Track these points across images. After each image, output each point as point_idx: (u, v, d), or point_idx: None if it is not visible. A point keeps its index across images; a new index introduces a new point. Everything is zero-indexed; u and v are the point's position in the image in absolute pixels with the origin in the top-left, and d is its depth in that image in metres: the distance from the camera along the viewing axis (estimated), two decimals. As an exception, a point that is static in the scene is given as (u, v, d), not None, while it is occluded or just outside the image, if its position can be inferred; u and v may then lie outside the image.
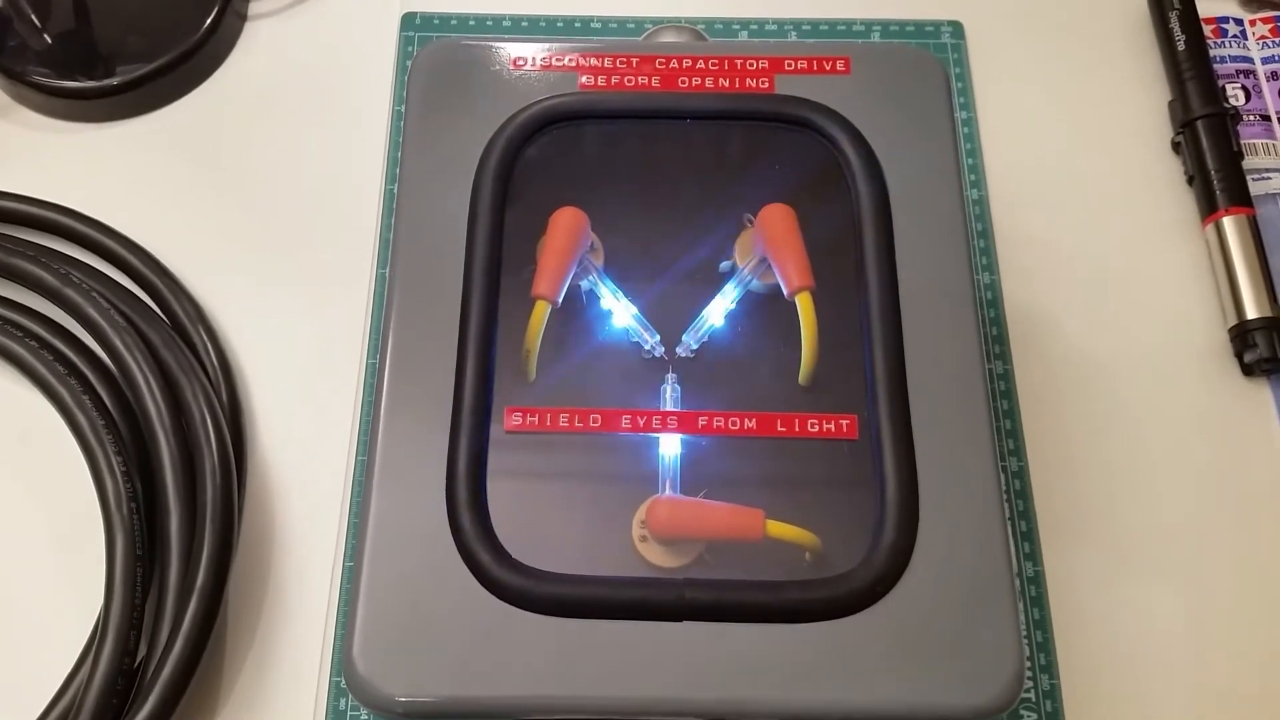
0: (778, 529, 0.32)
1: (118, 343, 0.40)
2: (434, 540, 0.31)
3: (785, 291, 0.36)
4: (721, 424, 0.33)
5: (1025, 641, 0.39)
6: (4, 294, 0.43)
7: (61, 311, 0.42)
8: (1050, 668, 0.39)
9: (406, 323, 0.34)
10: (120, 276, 0.44)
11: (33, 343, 0.41)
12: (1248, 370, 0.44)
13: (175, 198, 0.47)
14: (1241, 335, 0.43)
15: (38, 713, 0.36)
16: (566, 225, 0.37)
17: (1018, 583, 0.40)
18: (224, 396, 0.41)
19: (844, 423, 0.33)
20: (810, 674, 0.30)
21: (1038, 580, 0.40)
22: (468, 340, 0.33)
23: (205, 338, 0.42)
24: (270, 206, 0.47)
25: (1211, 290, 0.45)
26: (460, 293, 0.34)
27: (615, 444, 0.34)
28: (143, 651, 0.36)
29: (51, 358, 0.40)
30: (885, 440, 0.32)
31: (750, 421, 0.33)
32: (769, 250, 0.37)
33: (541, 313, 0.36)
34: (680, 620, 0.30)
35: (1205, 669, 0.39)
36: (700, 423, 0.33)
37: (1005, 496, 0.41)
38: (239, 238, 0.46)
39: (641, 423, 0.33)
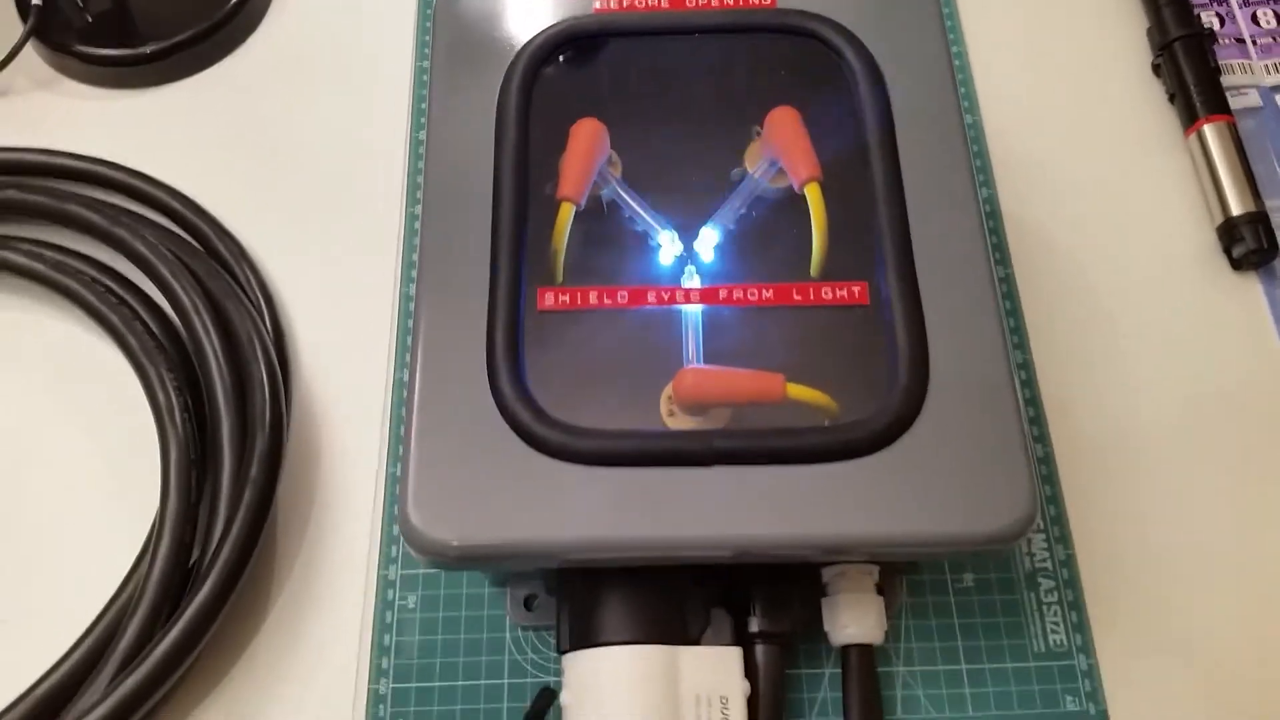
0: (797, 391, 0.34)
1: (166, 273, 0.42)
2: (476, 404, 0.33)
3: (795, 184, 0.38)
4: (740, 295, 0.35)
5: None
6: (57, 240, 0.45)
7: (112, 253, 0.44)
8: (1065, 539, 0.40)
9: (440, 221, 0.36)
10: (165, 221, 0.46)
11: (85, 278, 0.43)
12: (1237, 265, 0.46)
13: (213, 155, 0.50)
14: (1229, 231, 0.45)
15: (102, 606, 0.37)
16: (587, 133, 0.39)
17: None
18: (267, 321, 0.43)
19: (855, 289, 0.35)
20: (832, 509, 0.32)
21: (1048, 460, 0.42)
22: (500, 232, 0.36)
23: (247, 271, 0.45)
24: (302, 158, 0.49)
25: (1198, 196, 0.48)
26: (491, 194, 0.37)
27: (642, 322, 0.36)
28: (197, 552, 0.38)
29: (103, 289, 0.43)
30: (895, 298, 0.34)
31: (767, 292, 0.35)
32: (777, 149, 0.39)
33: (567, 214, 0.38)
34: (709, 465, 0.32)
35: (1201, 539, 0.41)
36: (721, 295, 0.35)
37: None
38: (274, 187, 0.49)
39: (666, 297, 0.35)
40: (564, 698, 0.34)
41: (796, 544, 0.32)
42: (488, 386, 0.33)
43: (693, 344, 0.35)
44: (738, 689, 0.34)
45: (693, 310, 0.35)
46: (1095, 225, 0.47)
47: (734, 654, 0.35)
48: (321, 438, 0.43)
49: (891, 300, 0.34)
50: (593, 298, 0.35)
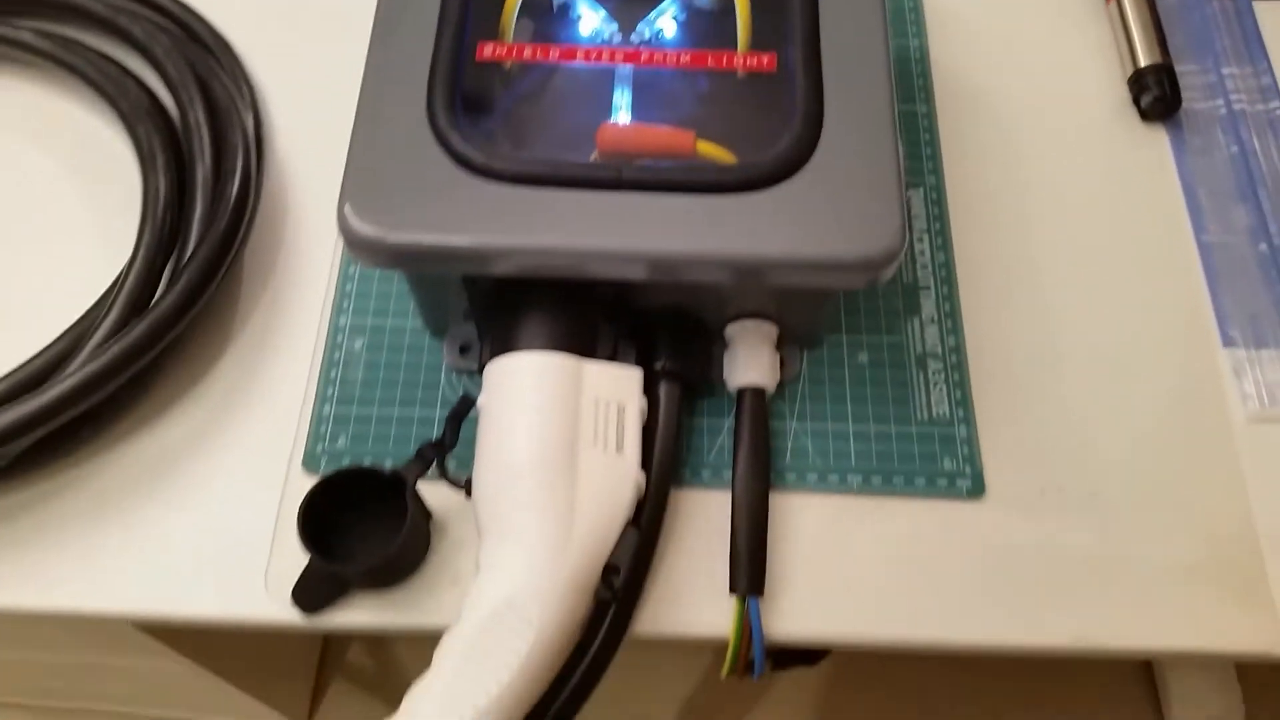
0: (706, 148, 0.38)
1: (159, 53, 0.47)
2: (413, 127, 0.37)
3: (723, -15, 0.42)
4: (661, 58, 0.39)
5: (937, 324, 0.44)
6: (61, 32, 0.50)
7: (112, 43, 0.49)
8: (956, 330, 0.44)
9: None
10: (158, 18, 0.51)
11: (87, 55, 0.48)
12: (1145, 115, 0.50)
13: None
14: (1138, 81, 0.49)
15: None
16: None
17: (929, 259, 0.46)
18: (247, 99, 0.48)
19: (764, 59, 0.39)
20: (727, 232, 0.36)
21: (948, 265, 0.46)
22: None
23: (232, 58, 0.49)
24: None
25: (1115, 57, 0.52)
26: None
27: (575, 81, 0.40)
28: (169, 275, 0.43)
29: (101, 64, 0.47)
30: (798, 64, 0.38)
31: (685, 57, 0.39)
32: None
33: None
34: (620, 190, 0.36)
35: (1076, 333, 0.44)
36: (643, 57, 0.40)
37: (923, 204, 0.47)
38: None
39: (594, 55, 0.39)
40: (480, 400, 0.38)
41: (694, 259, 0.36)
42: (425, 113, 0.37)
43: (620, 102, 0.40)
44: (634, 402, 0.38)
45: (621, 72, 0.39)
46: (1015, 74, 0.51)
47: (635, 373, 0.39)
48: (289, 205, 0.47)
49: (795, 67, 0.38)
50: (527, 53, 0.39)
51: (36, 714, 0.91)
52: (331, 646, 1.00)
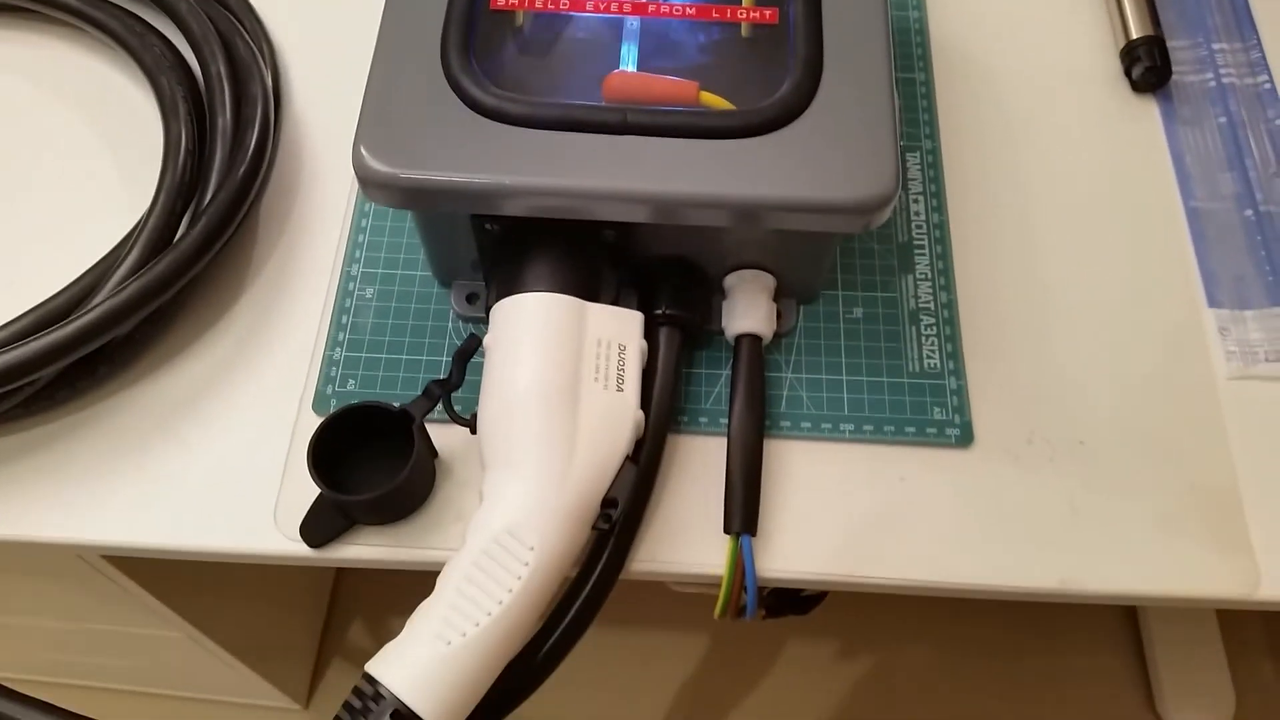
0: (709, 98, 0.40)
1: (182, 10, 0.48)
2: (427, 71, 0.39)
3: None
4: (668, 10, 0.41)
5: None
6: None
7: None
8: (949, 287, 0.46)
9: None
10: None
11: (115, 11, 0.49)
12: (1137, 87, 0.51)
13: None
14: (1129, 53, 0.51)
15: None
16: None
17: (924, 220, 0.47)
18: (267, 55, 0.49)
19: (767, 12, 0.41)
20: (727, 175, 0.37)
21: (942, 226, 0.47)
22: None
23: (253, 18, 0.51)
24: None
25: (1109, 34, 0.53)
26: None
27: (584, 31, 0.41)
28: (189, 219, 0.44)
29: (127, 20, 0.49)
30: (799, 17, 0.39)
31: (690, 10, 0.41)
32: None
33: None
34: (625, 134, 0.38)
35: (1067, 292, 0.46)
36: (650, 8, 0.41)
37: (920, 167, 0.49)
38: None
39: (603, 6, 0.41)
40: (486, 340, 0.39)
41: (696, 201, 0.37)
42: (439, 58, 0.39)
43: (626, 53, 0.41)
44: (635, 342, 0.39)
45: (630, 23, 0.41)
46: (1011, 45, 0.53)
47: (637, 316, 0.40)
48: (305, 158, 0.49)
49: (796, 19, 0.40)
50: (539, 2, 0.41)
51: (40, 689, 0.92)
52: (332, 627, 1.01)
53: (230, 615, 0.74)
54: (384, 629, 1.00)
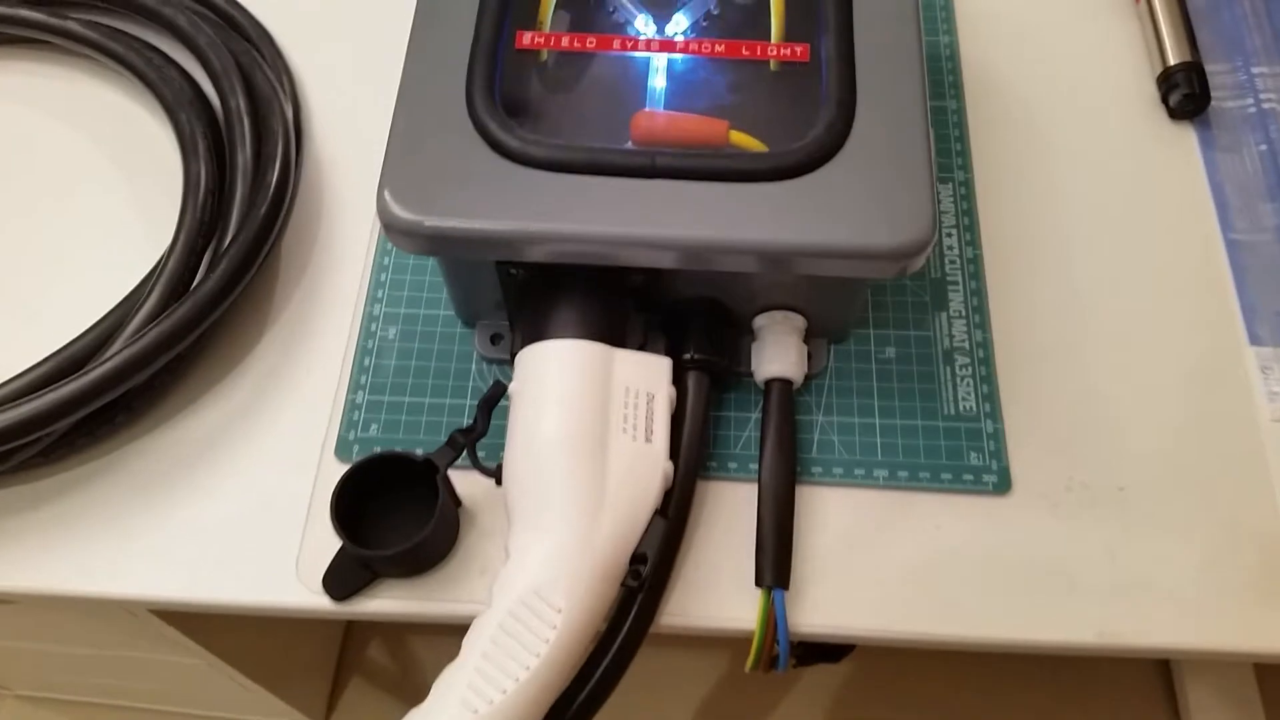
0: (739, 138, 0.39)
1: (202, 43, 0.48)
2: (452, 113, 0.38)
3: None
4: (696, 47, 0.40)
5: (959, 287, 0.45)
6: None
7: (156, 34, 0.50)
8: (984, 325, 0.44)
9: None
10: (202, 9, 0.52)
11: (132, 44, 0.48)
12: (1174, 114, 0.50)
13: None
14: (1167, 79, 0.49)
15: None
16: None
17: (957, 254, 0.46)
18: (287, 89, 0.48)
19: (798, 49, 0.39)
20: (758, 220, 0.36)
21: (976, 260, 0.46)
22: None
23: (273, 49, 0.50)
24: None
25: (1145, 59, 0.52)
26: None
27: (611, 69, 0.40)
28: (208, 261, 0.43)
29: (146, 54, 0.48)
30: (831, 55, 0.38)
31: (719, 47, 0.40)
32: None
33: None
34: (652, 178, 0.37)
35: (1102, 329, 0.44)
36: (678, 45, 0.40)
37: (953, 199, 0.47)
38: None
39: (630, 45, 0.40)
40: (512, 387, 0.38)
41: (726, 247, 0.36)
42: (463, 101, 0.38)
43: (654, 90, 0.40)
44: (664, 390, 0.38)
45: (657, 61, 0.40)
46: (1045, 71, 0.52)
47: (665, 362, 0.39)
48: (326, 196, 0.48)
49: (828, 58, 0.38)
50: (565, 41, 0.40)
51: (59, 708, 0.92)
52: (350, 645, 1.00)
53: (249, 642, 0.73)
54: (402, 647, 0.99)
